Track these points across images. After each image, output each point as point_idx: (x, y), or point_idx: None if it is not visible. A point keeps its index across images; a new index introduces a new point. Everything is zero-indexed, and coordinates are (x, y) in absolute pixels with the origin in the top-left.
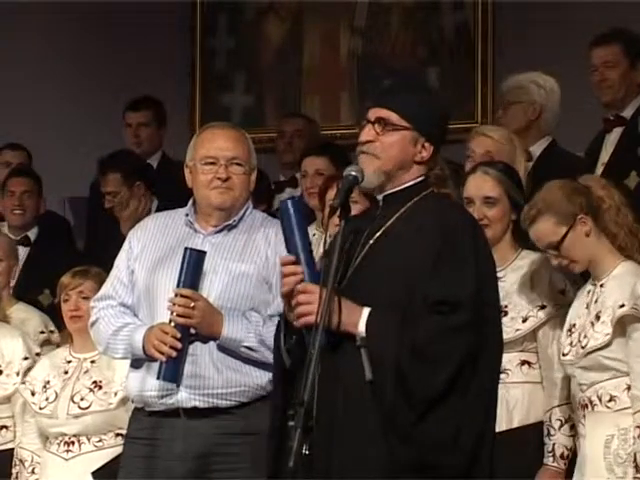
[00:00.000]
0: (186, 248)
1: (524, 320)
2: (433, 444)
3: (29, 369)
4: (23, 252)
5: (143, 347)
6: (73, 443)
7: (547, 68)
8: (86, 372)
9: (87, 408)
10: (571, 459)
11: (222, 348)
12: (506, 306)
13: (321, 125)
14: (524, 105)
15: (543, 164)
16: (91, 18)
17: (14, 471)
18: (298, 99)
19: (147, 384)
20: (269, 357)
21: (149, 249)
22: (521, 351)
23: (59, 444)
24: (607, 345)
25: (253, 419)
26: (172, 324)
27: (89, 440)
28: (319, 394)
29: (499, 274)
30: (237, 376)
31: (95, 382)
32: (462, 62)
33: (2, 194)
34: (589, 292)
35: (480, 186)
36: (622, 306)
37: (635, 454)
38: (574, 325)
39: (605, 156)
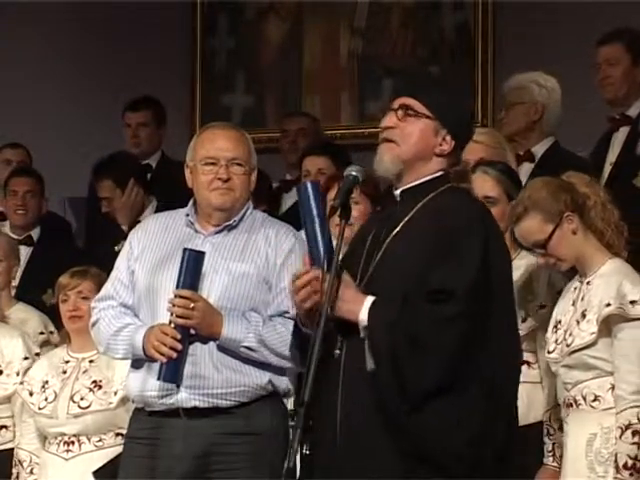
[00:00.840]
0: (185, 249)
1: (523, 320)
2: (428, 436)
3: (28, 369)
4: (26, 252)
5: (143, 347)
6: (73, 443)
7: (547, 68)
8: (85, 372)
9: (87, 408)
10: None
11: (222, 348)
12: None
13: (321, 125)
14: (526, 106)
15: (546, 165)
16: (91, 18)
17: (14, 471)
18: (298, 99)
19: (147, 384)
20: (269, 357)
21: (149, 250)
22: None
23: (59, 444)
24: (592, 344)
25: (253, 419)
26: (172, 325)
27: (89, 440)
28: (323, 387)
29: None
30: (237, 376)
31: (95, 382)
32: (462, 62)
33: (4, 193)
34: (575, 289)
35: (480, 186)
36: (608, 305)
37: (616, 454)
38: (560, 322)
39: (612, 156)
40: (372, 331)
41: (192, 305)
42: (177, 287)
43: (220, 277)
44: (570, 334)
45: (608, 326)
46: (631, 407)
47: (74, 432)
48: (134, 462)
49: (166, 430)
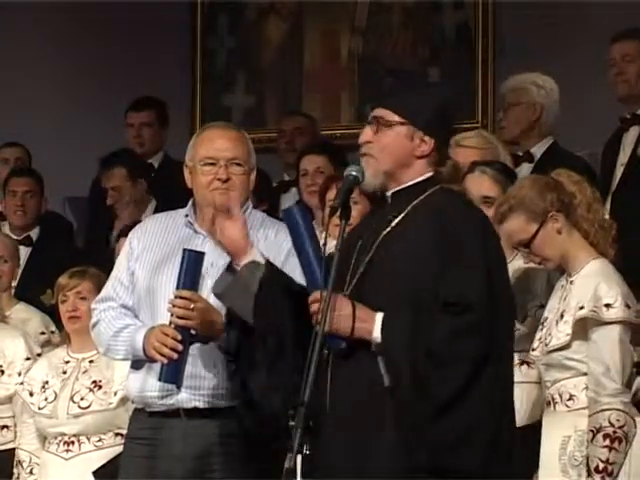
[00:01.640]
0: (184, 249)
1: (523, 320)
2: (449, 445)
3: (29, 369)
4: (25, 252)
5: (144, 348)
6: (73, 443)
7: (547, 68)
8: (85, 372)
9: (87, 408)
10: None
11: (222, 349)
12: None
13: (321, 125)
14: (524, 106)
15: (544, 165)
16: (91, 18)
17: (15, 471)
18: (299, 99)
19: (147, 385)
20: None
21: (149, 250)
22: (520, 351)
23: (59, 444)
24: (567, 346)
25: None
26: (172, 326)
27: (89, 440)
28: (334, 400)
29: None
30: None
31: (95, 382)
32: (463, 62)
33: (3, 193)
34: (562, 287)
35: (478, 186)
36: (582, 308)
37: (588, 457)
38: (546, 319)
39: (624, 157)
40: (388, 348)
41: (192, 306)
42: (177, 288)
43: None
44: (549, 334)
45: (583, 328)
46: (603, 410)
47: (74, 432)
48: (134, 462)
49: (166, 430)
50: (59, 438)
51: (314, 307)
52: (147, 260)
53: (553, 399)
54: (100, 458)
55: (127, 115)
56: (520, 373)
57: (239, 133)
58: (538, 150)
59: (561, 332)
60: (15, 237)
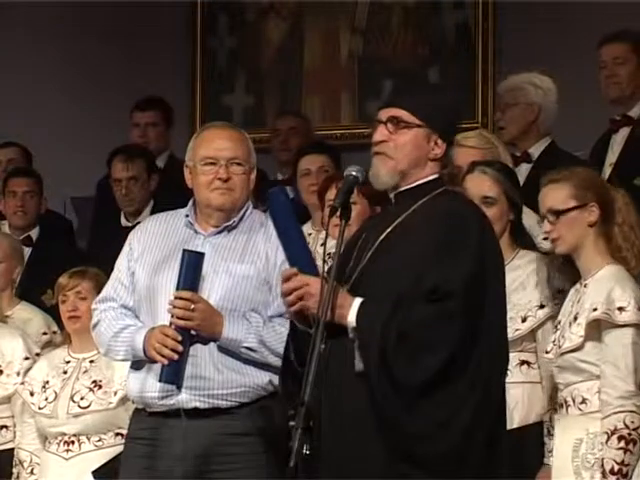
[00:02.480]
0: (184, 250)
1: (523, 320)
2: (419, 434)
3: (29, 369)
4: (25, 252)
5: (144, 349)
6: (73, 443)
7: (547, 68)
8: (85, 372)
9: (87, 407)
10: None
11: (222, 349)
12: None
13: (321, 125)
14: (522, 107)
15: (542, 165)
16: (91, 18)
17: (15, 471)
18: (298, 99)
19: (148, 385)
20: (269, 358)
21: (150, 250)
22: (520, 351)
23: (59, 444)
24: (580, 348)
25: (254, 419)
26: (172, 326)
27: (89, 440)
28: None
29: None
30: (237, 377)
31: (95, 382)
32: (463, 62)
33: (3, 194)
34: (576, 291)
35: (478, 186)
36: (595, 310)
37: (603, 459)
38: (559, 322)
39: (612, 157)
40: (361, 332)
41: (192, 306)
42: (177, 289)
43: (220, 278)
44: (562, 336)
45: (597, 330)
46: (617, 412)
47: (74, 432)
48: (134, 462)
49: (166, 430)
50: (59, 438)
51: (288, 285)
52: (147, 260)
53: (566, 402)
54: (100, 458)
55: (132, 115)
56: (520, 373)
57: (239, 133)
58: (536, 150)
59: (574, 334)
60: (15, 237)
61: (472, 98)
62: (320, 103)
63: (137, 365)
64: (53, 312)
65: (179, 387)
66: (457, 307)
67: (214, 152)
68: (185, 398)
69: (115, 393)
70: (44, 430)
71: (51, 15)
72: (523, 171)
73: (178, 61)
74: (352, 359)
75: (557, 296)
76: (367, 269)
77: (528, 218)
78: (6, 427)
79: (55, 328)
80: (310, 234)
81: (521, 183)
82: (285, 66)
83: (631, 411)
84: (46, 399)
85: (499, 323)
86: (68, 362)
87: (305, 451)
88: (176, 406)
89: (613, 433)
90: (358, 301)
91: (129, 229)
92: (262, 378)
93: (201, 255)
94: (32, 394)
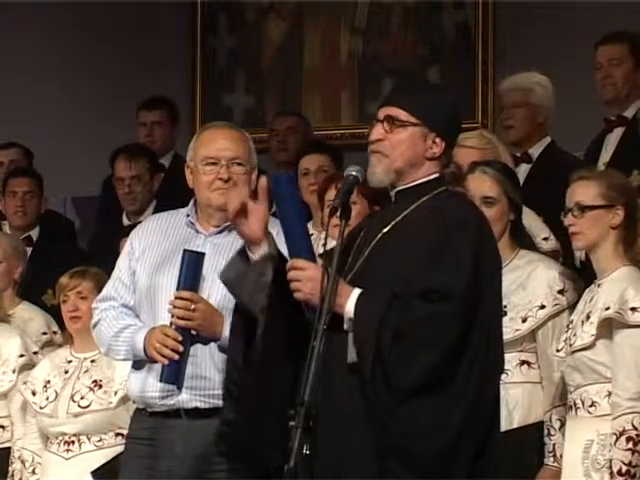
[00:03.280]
0: (185, 250)
1: (523, 320)
2: (411, 434)
3: (24, 366)
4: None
5: (144, 349)
6: (73, 442)
7: (547, 68)
8: (86, 371)
9: (87, 407)
10: None
11: (223, 349)
12: (505, 306)
13: (321, 125)
14: (532, 108)
15: (542, 165)
16: (91, 18)
17: (10, 469)
18: (298, 99)
19: (148, 385)
20: None
21: (150, 250)
22: (520, 351)
23: (59, 444)
24: (591, 346)
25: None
26: (173, 327)
27: (89, 439)
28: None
29: None
30: None
31: (95, 381)
32: (462, 62)
33: (3, 194)
34: (590, 290)
35: (479, 186)
36: (607, 309)
37: (611, 460)
38: (572, 322)
39: (606, 156)
40: (358, 323)
41: (193, 307)
42: (177, 289)
43: None
44: (574, 334)
45: (608, 330)
46: (626, 413)
47: (74, 431)
48: (135, 462)
49: (167, 430)
50: (60, 438)
51: (291, 274)
52: (148, 260)
53: (575, 404)
54: (100, 458)
55: (139, 114)
56: (520, 373)
57: (240, 133)
58: (536, 150)
59: (586, 332)
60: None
61: (472, 98)
62: (320, 103)
63: (138, 365)
64: (54, 312)
65: (179, 387)
66: (456, 309)
67: (215, 152)
68: (185, 398)
69: (115, 393)
70: (45, 430)
71: (51, 15)
72: (523, 171)
73: (178, 61)
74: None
75: (557, 296)
76: (365, 267)
77: (528, 218)
78: (3, 427)
79: (55, 328)
80: (312, 234)
81: (521, 183)
82: (285, 66)
83: None
84: (47, 398)
85: (494, 323)
86: (70, 362)
87: (305, 451)
88: (176, 406)
89: (622, 434)
90: (357, 292)
91: (131, 228)
92: None
93: (202, 255)
94: (34, 393)
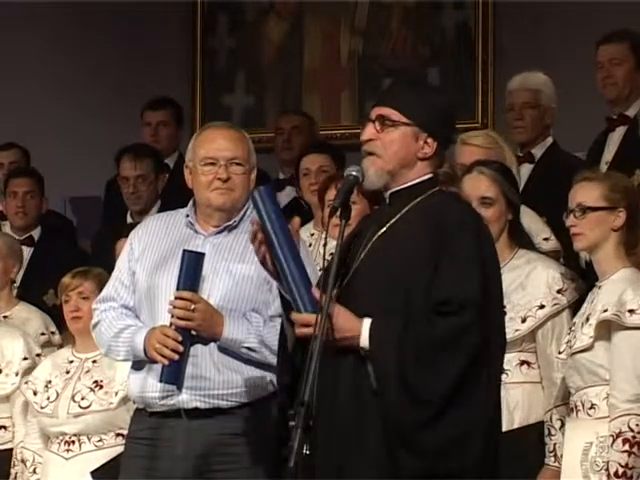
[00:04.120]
0: (184, 250)
1: (523, 320)
2: (441, 450)
3: (29, 369)
4: (27, 252)
5: (144, 349)
6: (73, 442)
7: (547, 68)
8: (87, 372)
9: (87, 407)
10: None
11: (223, 349)
12: (504, 306)
13: (321, 125)
14: (542, 110)
15: (544, 165)
16: (91, 18)
17: (13, 471)
18: (298, 99)
19: (148, 385)
20: (270, 358)
21: (150, 250)
22: (520, 351)
23: (60, 444)
24: (589, 348)
25: (254, 419)
26: (172, 327)
27: (89, 440)
28: (323, 401)
29: None
30: (238, 377)
31: (96, 382)
32: (463, 62)
33: (4, 194)
34: (592, 292)
35: (476, 186)
36: (606, 311)
37: (608, 462)
38: (574, 324)
39: (608, 155)
40: (376, 354)
41: (193, 307)
42: (177, 289)
43: (221, 278)
44: (574, 336)
45: (607, 332)
46: (623, 415)
47: (74, 432)
48: (135, 462)
49: (167, 430)
50: (60, 438)
51: (305, 330)
52: (148, 260)
53: (576, 407)
54: (101, 458)
55: (144, 114)
56: (520, 373)
57: (239, 133)
58: (538, 151)
59: (585, 334)
60: (17, 237)
61: (472, 98)
62: (320, 103)
63: (138, 365)
64: (55, 312)
65: (179, 387)
66: (472, 318)
67: (214, 152)
68: (185, 398)
69: (116, 393)
70: (45, 430)
71: (50, 15)
72: (525, 171)
73: (178, 61)
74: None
75: (557, 296)
76: (360, 270)
77: (529, 218)
78: (5, 428)
79: (53, 328)
80: (313, 234)
81: (523, 183)
82: (285, 66)
83: (637, 414)
84: (48, 398)
85: (499, 324)
86: (71, 362)
87: (305, 451)
88: (176, 406)
89: (618, 436)
90: (367, 323)
91: (133, 226)
92: (262, 378)
93: (201, 255)
94: (35, 393)
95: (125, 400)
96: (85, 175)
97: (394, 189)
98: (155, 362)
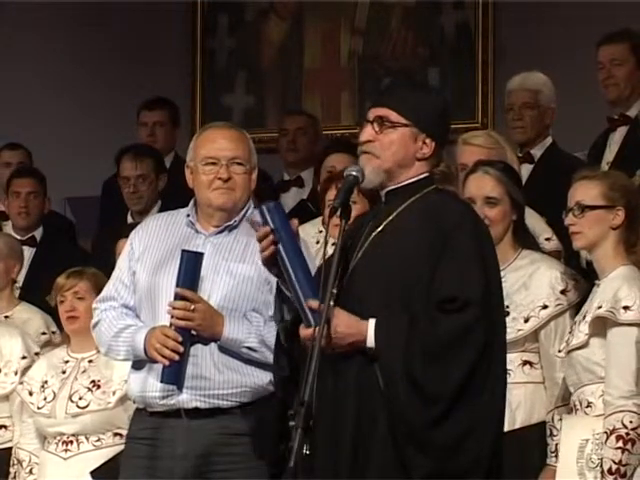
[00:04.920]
0: (183, 250)
1: (526, 320)
2: (452, 448)
3: (28, 368)
4: (29, 252)
5: (145, 349)
6: (71, 442)
7: (547, 68)
8: (84, 372)
9: (85, 407)
10: None
11: (223, 349)
12: (507, 306)
13: (321, 125)
14: (542, 109)
15: (544, 166)
16: (92, 18)
17: (12, 470)
18: (299, 99)
19: (148, 385)
20: (270, 357)
21: (151, 250)
22: (522, 351)
23: (57, 444)
24: (585, 345)
25: (254, 419)
26: (172, 327)
27: (87, 439)
28: (328, 400)
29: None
30: (238, 377)
31: (93, 381)
32: (462, 62)
33: (6, 194)
34: (592, 292)
35: (481, 186)
36: (600, 307)
37: (601, 459)
38: (575, 322)
39: (609, 155)
40: (382, 353)
41: (192, 307)
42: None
43: (221, 278)
44: (572, 334)
45: (602, 329)
46: (617, 412)
47: (72, 432)
48: (135, 462)
49: (167, 430)
50: (58, 438)
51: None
52: (148, 260)
53: (575, 405)
54: (99, 458)
55: (140, 114)
56: (522, 373)
57: (240, 133)
58: (538, 151)
59: (581, 332)
60: (19, 238)
61: (472, 98)
62: (320, 103)
63: (138, 365)
64: (55, 313)
65: (179, 387)
66: (476, 316)
67: (215, 152)
68: (186, 398)
69: (114, 393)
70: (43, 430)
71: (51, 15)
72: (525, 171)
73: (178, 61)
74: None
75: (560, 296)
76: (358, 269)
77: (530, 218)
78: (4, 427)
79: (54, 328)
80: (321, 231)
81: (523, 183)
82: (285, 66)
83: (631, 411)
84: (45, 399)
85: (501, 322)
86: (67, 362)
87: (305, 451)
88: (176, 406)
89: (612, 432)
90: (372, 323)
91: (134, 226)
92: (263, 378)
93: (200, 255)
94: (31, 394)
95: (123, 400)
96: (85, 175)
97: (390, 187)
98: (155, 362)
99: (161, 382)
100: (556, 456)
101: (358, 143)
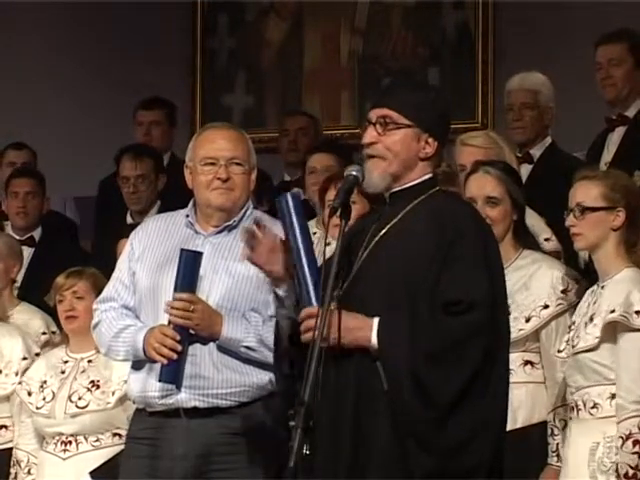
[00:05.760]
0: (182, 250)
1: (527, 320)
2: (456, 448)
3: (27, 369)
4: (28, 252)
5: (144, 349)
6: (70, 443)
7: (547, 68)
8: (83, 372)
9: (84, 407)
10: None
11: (222, 348)
12: (509, 306)
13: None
14: (542, 110)
15: (543, 166)
16: (92, 18)
17: (12, 471)
18: (298, 99)
19: (148, 385)
20: (269, 357)
21: (150, 251)
22: (524, 351)
23: (56, 444)
24: (594, 349)
25: (253, 419)
26: (171, 326)
27: (86, 440)
28: (329, 400)
29: None
30: (237, 376)
31: (92, 381)
32: (463, 62)
33: (6, 194)
34: (592, 292)
35: (482, 186)
36: (613, 312)
37: (617, 464)
38: (574, 323)
39: (608, 155)
40: (386, 354)
41: (192, 307)
42: (175, 289)
43: (220, 278)
44: (577, 336)
45: (613, 333)
46: (632, 417)
47: (71, 432)
48: (135, 462)
49: (167, 430)
50: (57, 438)
51: (309, 323)
52: (148, 261)
53: (577, 405)
54: (98, 458)
55: (137, 114)
56: (524, 373)
57: (239, 133)
58: (537, 151)
59: (589, 334)
60: (18, 238)
61: (472, 98)
62: (320, 103)
63: (138, 365)
64: (54, 313)
65: (178, 387)
66: (482, 318)
67: (214, 152)
68: (184, 397)
69: (113, 393)
70: (41, 430)
71: (52, 16)
72: (524, 172)
73: (178, 61)
74: (373, 375)
75: (561, 296)
76: (363, 271)
77: (530, 219)
78: (5, 427)
79: (54, 328)
80: (315, 233)
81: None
82: (285, 66)
83: None
84: (44, 399)
85: (505, 323)
86: (66, 362)
87: (305, 451)
88: (175, 405)
89: (628, 438)
90: (376, 322)
91: (134, 227)
92: (262, 377)
93: (199, 254)
94: (30, 394)
95: (122, 400)
96: (85, 175)
97: (395, 189)
98: (154, 362)
99: (159, 381)
100: (557, 456)
101: (361, 146)
